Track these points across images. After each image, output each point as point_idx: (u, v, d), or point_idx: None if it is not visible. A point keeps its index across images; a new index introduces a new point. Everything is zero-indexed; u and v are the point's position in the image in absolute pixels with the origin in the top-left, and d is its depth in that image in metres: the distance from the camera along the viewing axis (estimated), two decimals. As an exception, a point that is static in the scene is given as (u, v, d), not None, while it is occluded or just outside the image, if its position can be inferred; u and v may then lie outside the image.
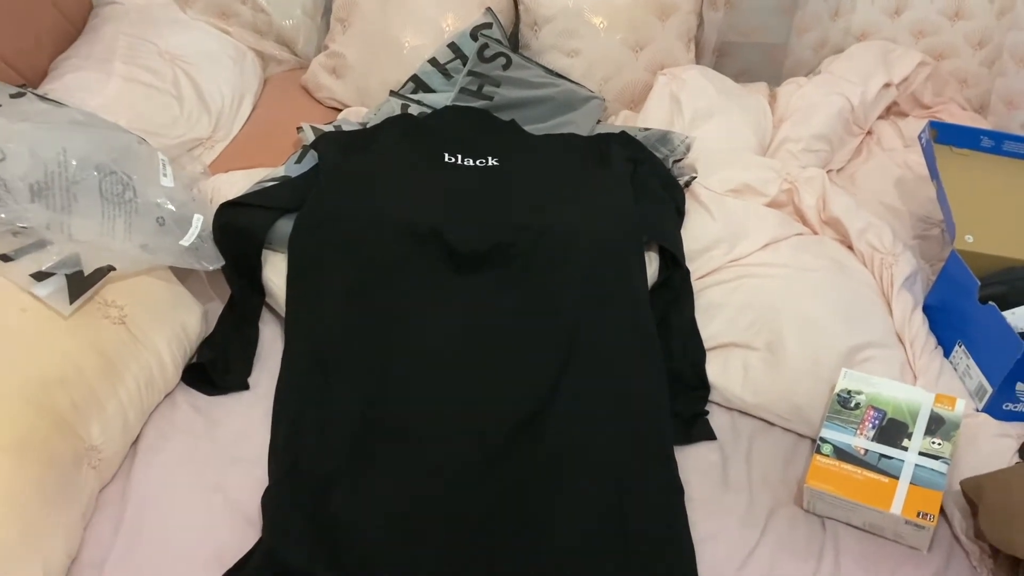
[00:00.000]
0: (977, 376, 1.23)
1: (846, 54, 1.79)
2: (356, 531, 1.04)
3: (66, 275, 1.11)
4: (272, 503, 1.08)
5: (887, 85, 1.72)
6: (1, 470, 0.96)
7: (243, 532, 1.07)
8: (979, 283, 1.23)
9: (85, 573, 1.02)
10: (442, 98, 1.63)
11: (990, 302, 1.20)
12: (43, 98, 1.40)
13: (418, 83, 1.68)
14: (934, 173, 1.42)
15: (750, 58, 1.91)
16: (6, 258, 1.11)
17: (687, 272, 1.35)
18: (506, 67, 1.65)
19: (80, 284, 1.12)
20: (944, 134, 1.50)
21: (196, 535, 1.07)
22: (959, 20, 1.77)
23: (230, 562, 1.02)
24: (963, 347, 1.26)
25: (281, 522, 1.05)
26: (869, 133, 1.76)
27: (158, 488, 1.11)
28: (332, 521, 1.05)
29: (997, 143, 1.50)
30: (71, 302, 1.10)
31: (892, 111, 1.80)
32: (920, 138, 1.49)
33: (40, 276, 1.10)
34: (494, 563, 1.04)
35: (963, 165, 1.47)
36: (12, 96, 1.36)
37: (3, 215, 1.12)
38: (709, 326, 1.31)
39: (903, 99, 1.77)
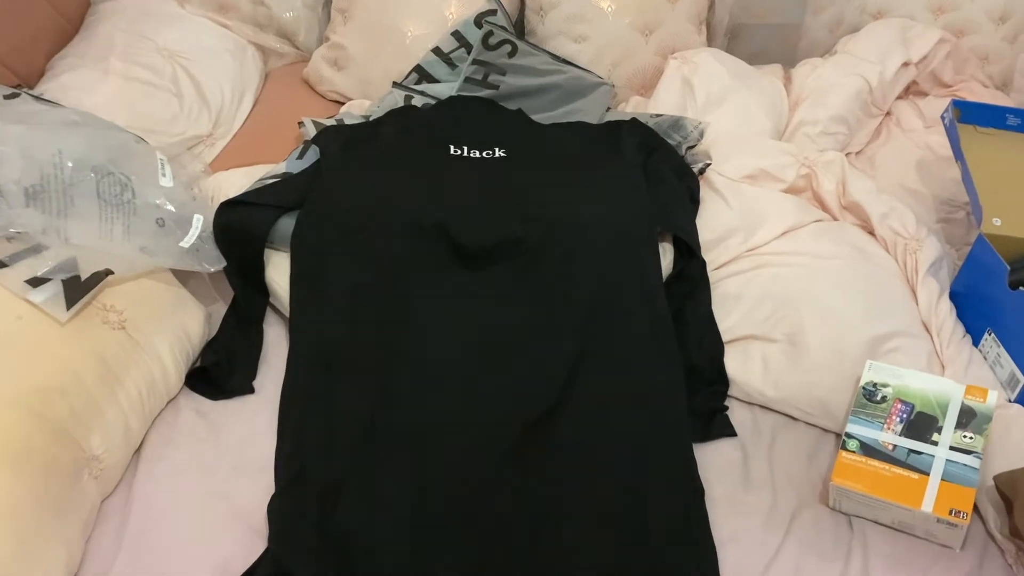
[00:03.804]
0: (1009, 365, 1.18)
1: (863, 33, 1.74)
2: (364, 538, 1.01)
3: (62, 280, 1.09)
4: (278, 511, 1.05)
5: (906, 64, 1.66)
6: (-2, 483, 0.93)
7: (250, 541, 1.04)
8: (1008, 268, 1.18)
9: (87, 587, 1.00)
10: (446, 88, 1.59)
11: (1021, 287, 1.16)
12: (38, 98, 1.37)
13: (422, 73, 1.64)
14: (958, 154, 1.37)
15: (764, 40, 1.86)
16: (0, 264, 1.08)
17: (703, 263, 1.31)
18: (512, 54, 1.61)
19: (77, 289, 1.09)
20: (968, 113, 1.44)
21: (201, 545, 1.04)
22: (979, -6, 1.71)
23: (236, 572, 0.99)
24: (993, 335, 1.21)
25: (288, 531, 1.02)
26: (888, 114, 1.71)
27: (162, 497, 1.08)
28: (340, 529, 1.02)
29: None
30: (68, 308, 1.08)
31: (911, 91, 1.74)
32: (943, 118, 1.44)
33: (35, 282, 1.08)
34: (508, 568, 1.01)
35: (988, 145, 1.42)
36: (6, 97, 1.33)
37: (-4, 220, 1.09)
38: (727, 318, 1.27)
39: (923, 78, 1.72)
